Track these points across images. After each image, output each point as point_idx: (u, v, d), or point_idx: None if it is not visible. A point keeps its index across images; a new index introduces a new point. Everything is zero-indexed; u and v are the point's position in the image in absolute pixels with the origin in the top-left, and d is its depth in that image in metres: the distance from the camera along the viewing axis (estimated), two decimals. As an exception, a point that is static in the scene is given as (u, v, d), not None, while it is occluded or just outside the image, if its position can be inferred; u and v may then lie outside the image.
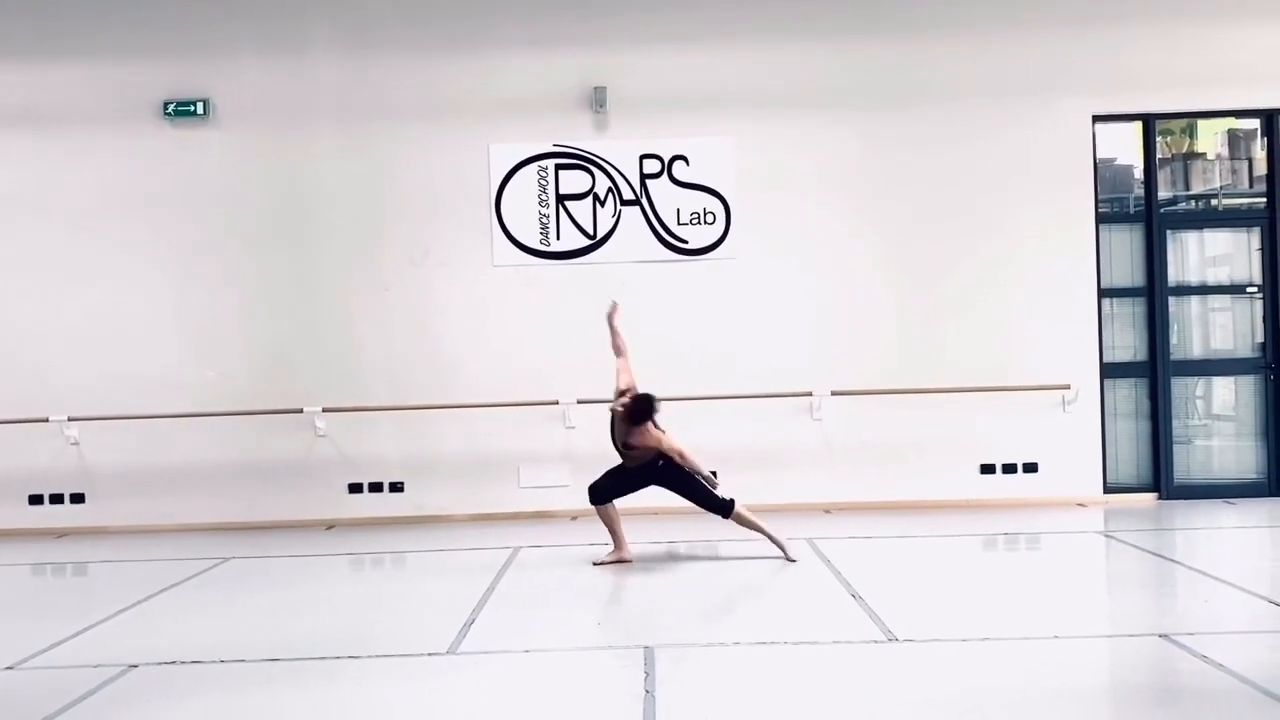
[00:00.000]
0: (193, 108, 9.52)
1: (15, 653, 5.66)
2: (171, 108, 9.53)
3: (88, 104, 9.59)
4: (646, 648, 5.35)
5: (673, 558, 7.94)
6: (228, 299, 9.59)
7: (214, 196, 9.57)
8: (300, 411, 9.43)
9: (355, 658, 5.41)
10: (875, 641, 5.43)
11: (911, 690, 4.78)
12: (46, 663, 5.52)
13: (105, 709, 4.80)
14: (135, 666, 5.36)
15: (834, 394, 9.28)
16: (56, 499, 9.60)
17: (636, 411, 7.34)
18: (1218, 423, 10.01)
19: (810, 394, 9.37)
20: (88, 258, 9.58)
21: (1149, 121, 9.66)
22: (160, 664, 5.39)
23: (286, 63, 9.56)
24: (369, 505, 9.56)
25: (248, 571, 7.77)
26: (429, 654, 5.43)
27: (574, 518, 9.40)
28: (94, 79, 9.59)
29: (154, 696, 4.93)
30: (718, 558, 7.83)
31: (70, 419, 9.45)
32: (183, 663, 5.40)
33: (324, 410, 9.43)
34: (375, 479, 9.58)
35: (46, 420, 9.42)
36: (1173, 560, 7.33)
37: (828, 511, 9.30)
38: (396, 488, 9.58)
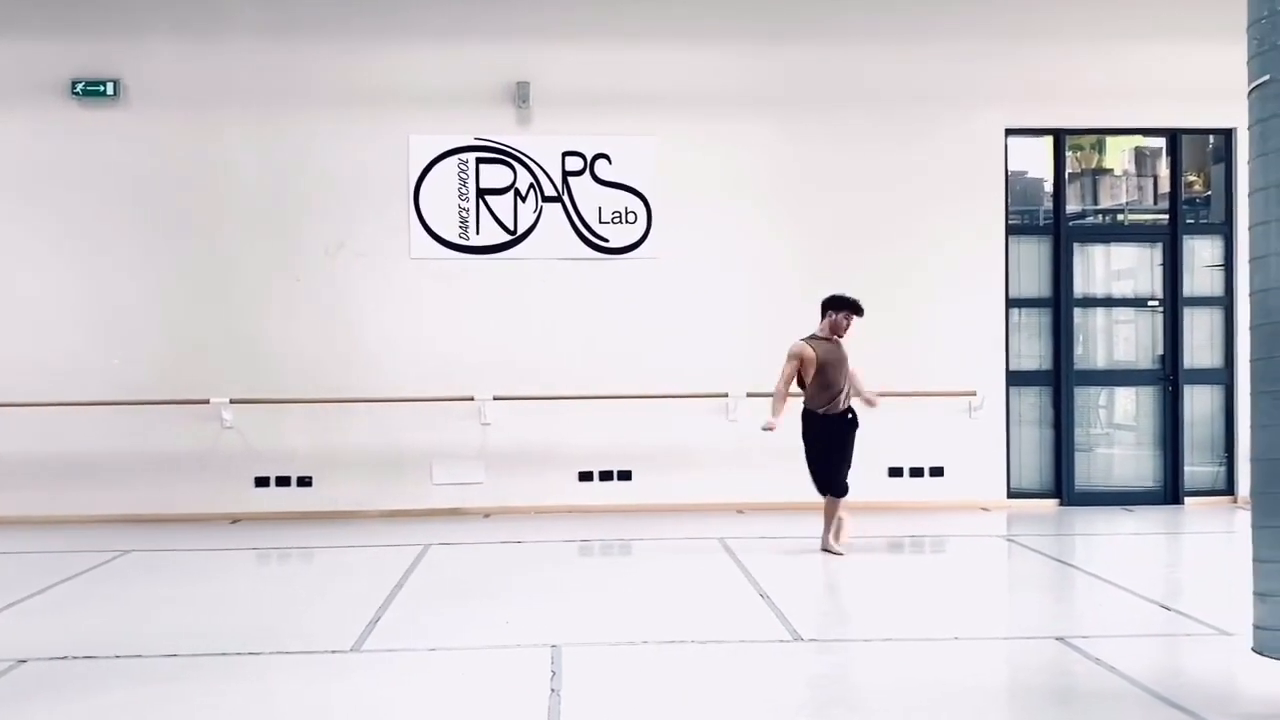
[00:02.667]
0: (102, 88, 9.25)
1: (-103, 647, 5.44)
2: (80, 87, 9.25)
3: (-10, 80, 9.29)
4: (554, 646, 5.33)
5: (585, 555, 7.94)
6: (134, 285, 9.34)
7: (122, 179, 9.32)
8: (207, 402, 9.22)
9: (256, 654, 5.31)
10: (781, 641, 5.48)
11: (813, 690, 4.84)
12: (-70, 657, 5.32)
13: (-9, 705, 4.64)
14: (25, 662, 5.19)
15: (750, 395, 9.35)
16: (-52, 488, 9.27)
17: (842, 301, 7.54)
18: (1118, 432, 10.31)
19: (727, 395, 9.44)
20: (-13, 238, 9.27)
21: (1060, 136, 9.91)
22: (52, 659, 5.23)
23: (201, 45, 9.34)
24: (276, 499, 9.38)
25: (148, 565, 7.57)
26: (332, 651, 5.35)
27: (487, 515, 9.35)
28: (-2, 54, 9.29)
29: (44, 693, 4.78)
30: (629, 555, 7.84)
31: (-36, 405, 9.14)
32: (76, 658, 5.25)
33: (231, 401, 9.24)
34: (283, 473, 9.40)
35: (-61, 406, 9.10)
36: (1071, 565, 7.52)
37: (740, 511, 9.38)
38: (305, 482, 9.42)
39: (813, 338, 7.65)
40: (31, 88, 9.27)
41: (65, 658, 5.25)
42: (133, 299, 9.34)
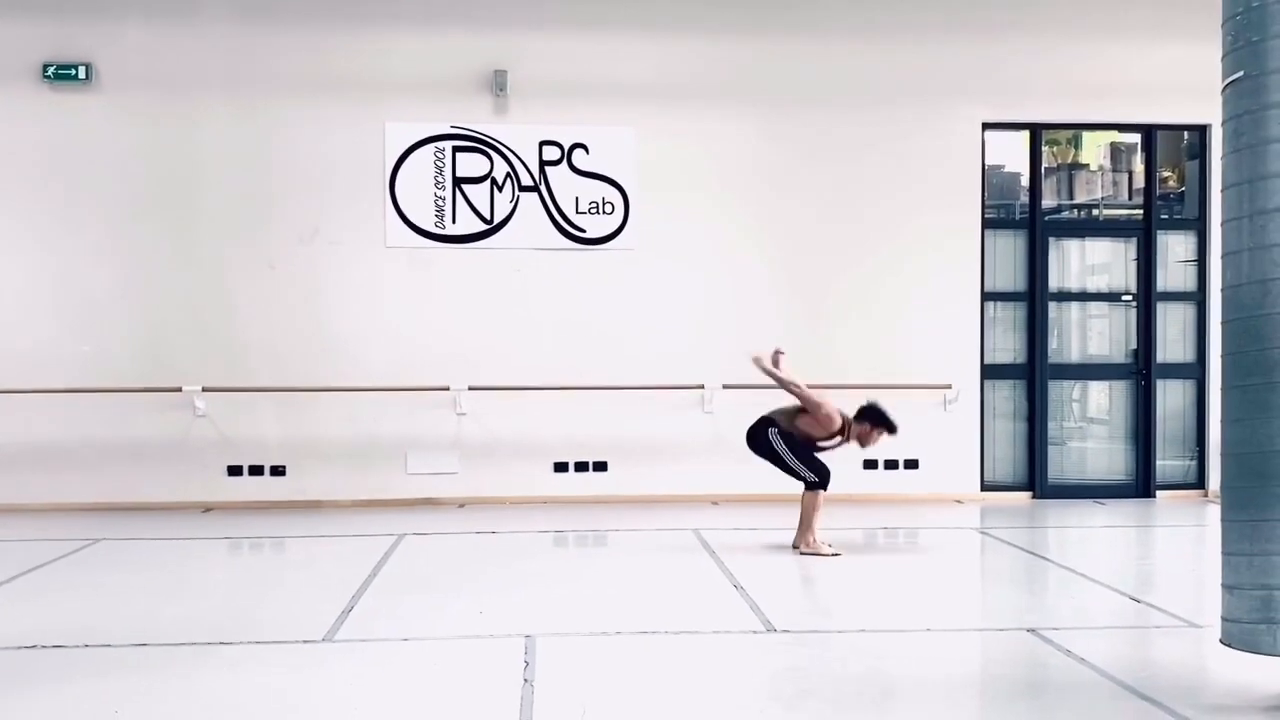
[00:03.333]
0: (74, 71, 9.14)
1: None
2: (51, 70, 9.14)
3: (-41, 62, 9.16)
4: (528, 636, 5.32)
5: (559, 546, 7.92)
6: (106, 272, 9.25)
7: (94, 164, 9.22)
8: (179, 390, 9.14)
9: (228, 643, 5.27)
10: (754, 632, 5.49)
11: (786, 680, 4.85)
12: (-105, 646, 5.25)
13: (-44, 695, 4.59)
14: (-8, 651, 5.14)
15: (725, 387, 9.34)
16: (-85, 475, 9.15)
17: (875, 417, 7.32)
18: (1091, 426, 10.38)
19: (702, 386, 9.44)
20: (-45, 223, 9.15)
21: (1036, 131, 9.94)
22: (19, 648, 5.18)
23: (174, 29, 9.25)
24: (249, 488, 9.32)
25: (119, 553, 7.51)
26: (304, 641, 5.32)
27: (461, 505, 9.33)
28: (-33, 36, 9.16)
29: (12, 683, 4.72)
30: (604, 546, 7.83)
31: (-68, 391, 9.03)
32: (44, 647, 5.20)
33: (204, 389, 9.16)
34: (256, 461, 9.34)
35: (-94, 392, 8.98)
36: (1044, 557, 7.57)
37: (715, 503, 9.39)
38: (278, 471, 9.35)
39: (844, 420, 7.37)
40: (1, 71, 9.15)
41: (34, 647, 5.20)
42: (104, 285, 9.24)
